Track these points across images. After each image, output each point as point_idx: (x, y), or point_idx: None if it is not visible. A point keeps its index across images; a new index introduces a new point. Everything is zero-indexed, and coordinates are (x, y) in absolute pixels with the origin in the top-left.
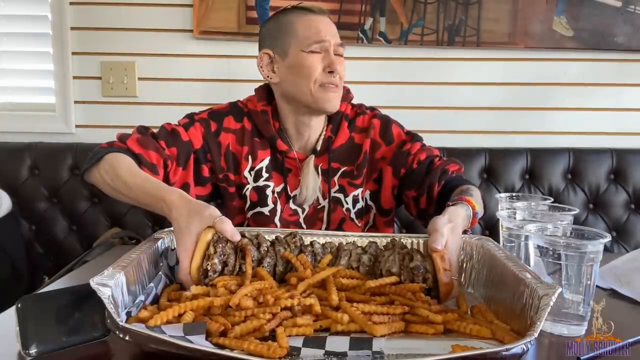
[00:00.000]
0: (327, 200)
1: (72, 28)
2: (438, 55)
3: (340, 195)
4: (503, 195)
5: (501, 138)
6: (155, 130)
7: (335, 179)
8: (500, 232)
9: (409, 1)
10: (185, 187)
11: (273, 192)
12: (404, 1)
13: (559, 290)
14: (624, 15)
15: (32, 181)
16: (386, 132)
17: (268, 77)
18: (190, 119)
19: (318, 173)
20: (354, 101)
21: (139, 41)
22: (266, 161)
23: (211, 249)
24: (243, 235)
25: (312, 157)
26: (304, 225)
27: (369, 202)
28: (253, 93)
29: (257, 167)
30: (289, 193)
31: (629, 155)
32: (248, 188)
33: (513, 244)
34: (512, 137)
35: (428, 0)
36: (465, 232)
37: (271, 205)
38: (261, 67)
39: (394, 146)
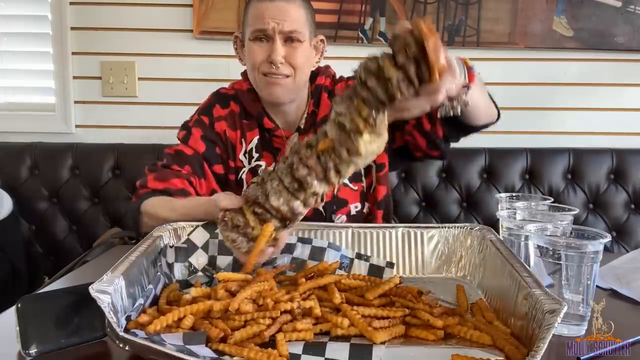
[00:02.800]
0: None
1: (72, 28)
2: None
3: None
4: (503, 195)
5: (501, 138)
6: (163, 162)
7: None
8: (500, 232)
9: (409, 1)
10: (213, 194)
11: None
12: (404, 1)
13: (565, 308)
14: (624, 15)
15: (32, 181)
16: None
17: (240, 58)
18: (186, 129)
19: None
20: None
21: (139, 41)
22: (255, 141)
23: (221, 235)
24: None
25: (297, 134)
26: None
27: None
28: None
29: (249, 149)
30: None
31: (629, 155)
32: (244, 171)
33: (513, 244)
34: (512, 137)
35: (428, 0)
36: (466, 86)
37: None
38: (235, 48)
39: None
